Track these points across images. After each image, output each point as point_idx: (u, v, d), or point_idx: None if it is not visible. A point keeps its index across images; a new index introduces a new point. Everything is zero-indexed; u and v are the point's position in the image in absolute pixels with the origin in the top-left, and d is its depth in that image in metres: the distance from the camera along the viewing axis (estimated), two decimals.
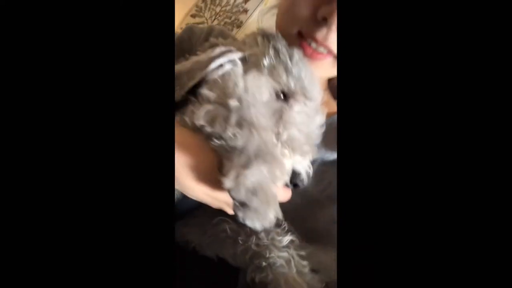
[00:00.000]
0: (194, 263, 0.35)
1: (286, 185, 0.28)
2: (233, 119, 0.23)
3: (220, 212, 0.35)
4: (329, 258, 0.32)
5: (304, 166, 0.28)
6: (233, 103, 0.23)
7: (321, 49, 0.32)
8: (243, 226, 0.34)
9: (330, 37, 0.30)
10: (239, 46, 0.30)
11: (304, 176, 0.28)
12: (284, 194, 0.29)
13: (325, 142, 0.39)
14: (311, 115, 0.28)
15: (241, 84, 0.24)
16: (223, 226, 0.34)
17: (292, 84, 0.27)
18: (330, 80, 0.46)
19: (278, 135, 0.26)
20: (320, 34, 0.30)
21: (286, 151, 0.26)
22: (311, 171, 0.29)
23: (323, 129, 0.30)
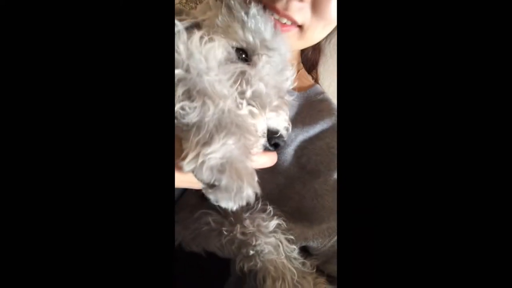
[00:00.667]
0: (183, 261, 0.33)
1: (267, 148, 0.24)
2: (179, 91, 0.20)
3: (200, 205, 0.33)
4: (316, 233, 0.30)
5: (280, 123, 0.24)
6: (175, 72, 0.20)
7: (284, 20, 0.30)
8: (226, 216, 0.32)
9: (290, 6, 0.29)
10: (193, 15, 0.27)
11: (283, 133, 0.25)
12: (269, 159, 0.25)
13: (302, 117, 0.37)
14: (278, 67, 0.25)
15: (182, 50, 0.20)
16: (206, 219, 0.31)
17: (250, 38, 0.24)
18: (303, 52, 0.43)
19: (242, 93, 0.22)
20: (280, 4, 0.29)
21: (255, 110, 0.22)
22: (290, 127, 0.25)
23: (291, 84, 0.27)
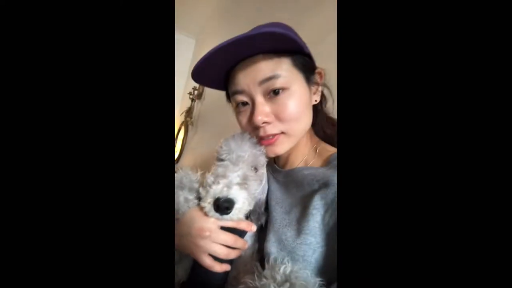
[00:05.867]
0: None
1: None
2: None
3: None
4: None
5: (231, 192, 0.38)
6: None
7: (269, 136, 0.43)
8: None
9: (265, 129, 0.42)
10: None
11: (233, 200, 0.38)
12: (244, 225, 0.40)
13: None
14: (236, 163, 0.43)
15: None
16: None
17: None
18: (319, 132, 0.52)
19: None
20: (260, 132, 0.43)
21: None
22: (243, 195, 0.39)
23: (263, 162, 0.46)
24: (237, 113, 0.46)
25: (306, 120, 0.44)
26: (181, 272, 0.41)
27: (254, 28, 0.44)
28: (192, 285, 0.39)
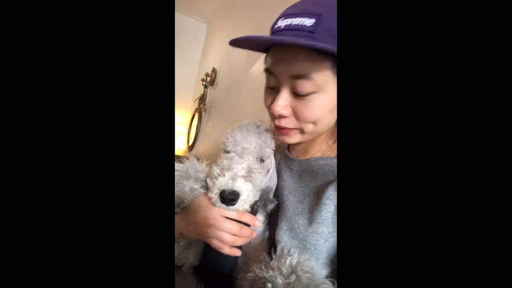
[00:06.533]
0: None
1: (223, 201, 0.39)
2: None
3: None
4: None
5: (237, 185, 0.39)
6: None
7: (284, 128, 0.43)
8: None
9: (281, 123, 0.42)
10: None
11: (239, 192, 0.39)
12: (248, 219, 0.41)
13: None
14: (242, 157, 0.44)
15: None
16: None
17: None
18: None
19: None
20: (277, 122, 0.42)
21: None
22: (247, 187, 0.40)
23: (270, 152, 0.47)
24: (265, 89, 0.45)
25: (325, 123, 0.42)
26: (192, 257, 0.42)
27: (297, 4, 0.40)
28: (204, 268, 0.40)
